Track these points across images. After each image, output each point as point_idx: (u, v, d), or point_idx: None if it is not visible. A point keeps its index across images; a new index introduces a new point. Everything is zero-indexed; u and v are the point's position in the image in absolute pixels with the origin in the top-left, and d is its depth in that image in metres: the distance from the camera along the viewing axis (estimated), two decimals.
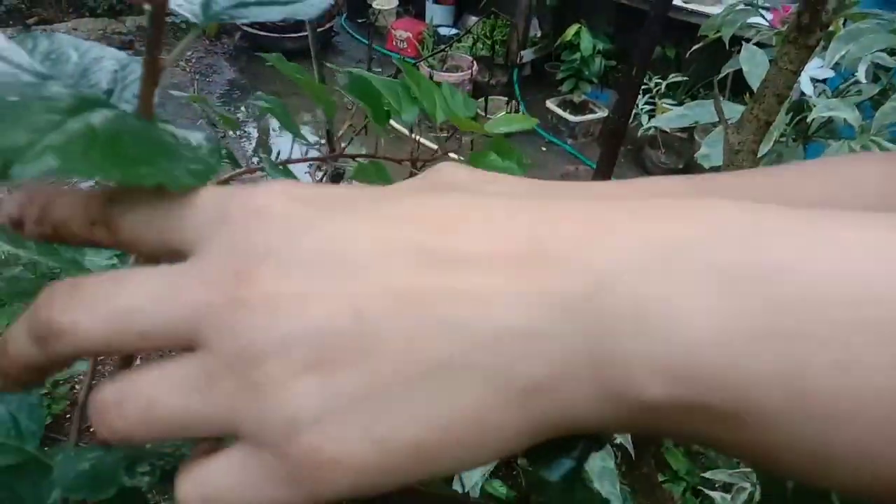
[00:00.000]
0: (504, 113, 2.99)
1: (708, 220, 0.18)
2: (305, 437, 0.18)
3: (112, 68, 0.27)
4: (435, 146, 0.75)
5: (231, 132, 3.00)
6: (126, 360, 0.31)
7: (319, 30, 3.61)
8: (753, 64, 0.89)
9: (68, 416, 1.71)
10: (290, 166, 0.65)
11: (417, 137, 0.78)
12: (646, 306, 0.17)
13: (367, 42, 3.68)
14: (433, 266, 0.18)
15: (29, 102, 0.20)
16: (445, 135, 0.85)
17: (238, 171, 0.56)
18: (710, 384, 0.16)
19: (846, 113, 0.80)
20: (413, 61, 3.49)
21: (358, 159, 0.67)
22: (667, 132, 3.04)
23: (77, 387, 1.77)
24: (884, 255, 0.16)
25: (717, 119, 0.77)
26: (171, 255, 0.21)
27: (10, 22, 3.77)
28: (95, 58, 0.27)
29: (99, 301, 0.19)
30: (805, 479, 0.18)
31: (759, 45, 1.08)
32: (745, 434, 0.17)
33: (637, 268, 0.17)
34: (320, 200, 0.20)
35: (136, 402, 0.19)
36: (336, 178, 0.86)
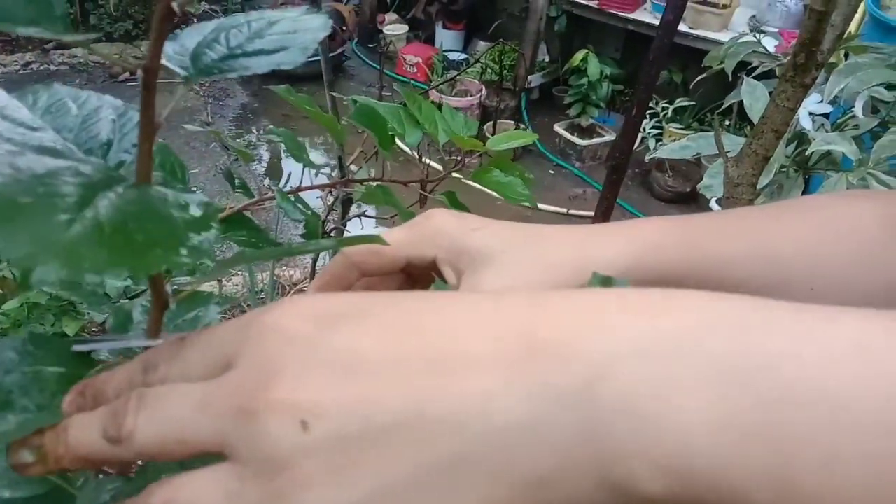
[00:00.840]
0: None
1: (696, 316, 0.19)
2: None
3: (110, 117, 0.29)
4: (442, 168, 0.77)
5: (236, 156, 3.04)
6: None
7: (331, 55, 3.66)
8: (754, 98, 0.91)
9: None
10: (302, 193, 0.67)
11: (428, 161, 0.80)
12: (639, 401, 0.18)
13: (377, 67, 3.73)
14: (435, 371, 0.20)
15: (37, 203, 0.21)
16: (456, 157, 0.87)
17: (251, 201, 0.59)
18: (705, 481, 0.17)
19: (844, 147, 0.82)
20: (423, 86, 3.53)
21: (366, 183, 0.69)
22: None
23: None
24: (866, 351, 0.17)
25: (717, 150, 0.79)
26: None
27: (29, 46, 3.85)
28: (94, 108, 0.29)
29: (154, 413, 0.22)
30: None
31: (765, 74, 1.10)
32: None
33: (629, 362, 0.18)
34: (332, 310, 0.22)
35: None
36: (347, 202, 0.88)
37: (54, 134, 0.29)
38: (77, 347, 0.27)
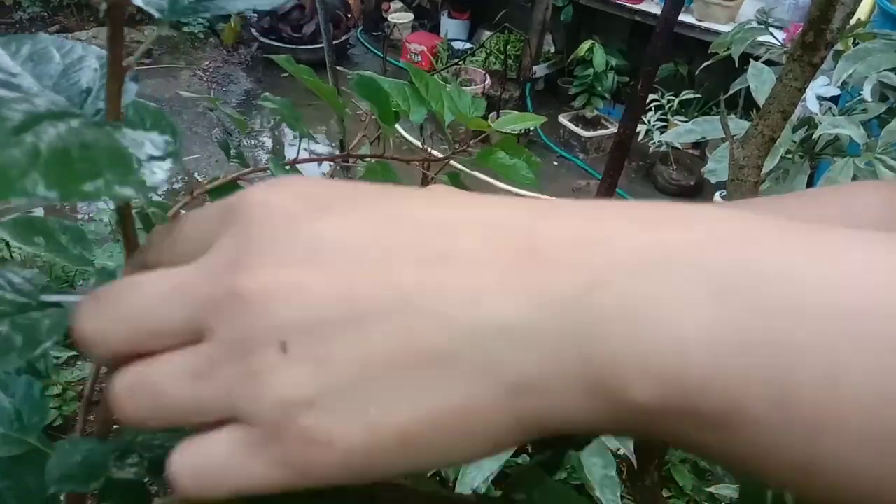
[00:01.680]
0: None
1: (703, 226, 0.18)
2: (299, 419, 0.18)
3: (93, 66, 0.27)
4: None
5: (244, 140, 3.03)
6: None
7: (335, 42, 3.65)
8: (760, 81, 0.90)
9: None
10: (301, 167, 0.66)
11: (429, 149, 0.79)
12: (637, 309, 0.17)
13: (381, 55, 3.72)
14: (426, 263, 0.19)
15: None
16: (457, 146, 0.86)
17: (246, 170, 0.57)
18: (699, 390, 0.17)
19: (851, 131, 0.81)
20: (430, 75, 3.51)
21: (367, 160, 0.68)
22: (678, 149, 3.04)
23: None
24: (873, 269, 0.16)
25: (723, 133, 0.78)
26: None
27: (33, 29, 3.84)
28: (79, 57, 0.28)
29: (118, 308, 0.21)
30: (792, 490, 0.18)
31: (770, 63, 1.08)
32: (732, 441, 0.17)
33: (630, 270, 0.17)
34: (322, 196, 0.21)
35: (145, 391, 0.20)
36: None
37: (32, 80, 0.29)
38: (44, 297, 0.27)
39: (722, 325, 0.16)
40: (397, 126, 0.68)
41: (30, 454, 0.38)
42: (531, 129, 3.41)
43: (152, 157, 0.21)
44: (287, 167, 0.53)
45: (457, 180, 0.74)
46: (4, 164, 0.18)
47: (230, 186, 0.47)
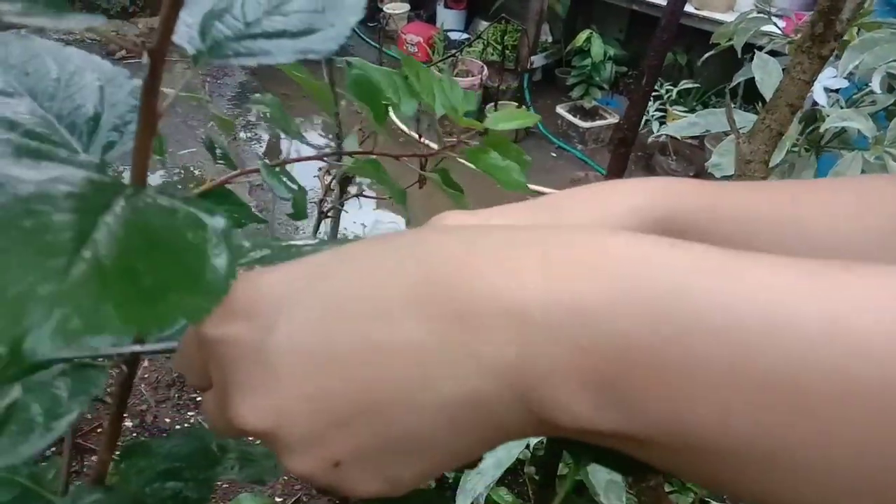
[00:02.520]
0: None
1: (616, 283, 0.20)
2: (326, 479, 0.23)
3: (96, 84, 0.25)
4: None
5: (241, 133, 3.00)
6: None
7: None
8: (766, 73, 0.88)
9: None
10: (295, 165, 0.64)
11: (427, 142, 0.77)
12: (546, 373, 0.20)
13: (377, 46, 3.68)
14: (374, 353, 0.21)
15: (25, 245, 0.16)
16: (454, 139, 0.85)
17: (234, 173, 0.56)
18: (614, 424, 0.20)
19: (860, 123, 0.79)
20: (423, 65, 3.48)
21: (357, 156, 0.66)
22: (677, 139, 3.02)
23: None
24: (768, 321, 0.19)
25: (729, 128, 0.76)
26: None
27: None
28: (77, 69, 0.25)
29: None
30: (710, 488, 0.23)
31: (772, 53, 1.06)
32: (641, 451, 0.21)
33: (544, 333, 0.20)
34: (263, 312, 0.23)
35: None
36: (344, 181, 0.85)
37: (31, 102, 0.25)
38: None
39: (594, 374, 0.20)
40: (393, 116, 0.66)
41: (19, 497, 0.36)
42: None
43: (211, 242, 0.19)
44: (276, 169, 0.51)
45: (447, 177, 0.72)
46: (72, 296, 0.15)
47: (219, 193, 0.45)
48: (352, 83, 0.60)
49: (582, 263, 0.21)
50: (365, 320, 0.21)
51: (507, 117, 0.78)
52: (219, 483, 1.76)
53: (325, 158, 0.62)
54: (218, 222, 0.20)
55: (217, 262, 0.19)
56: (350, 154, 0.60)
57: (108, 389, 0.34)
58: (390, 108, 0.65)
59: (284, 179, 0.50)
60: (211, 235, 0.19)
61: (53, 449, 1.58)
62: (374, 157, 0.62)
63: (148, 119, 0.21)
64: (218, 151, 0.48)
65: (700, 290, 0.19)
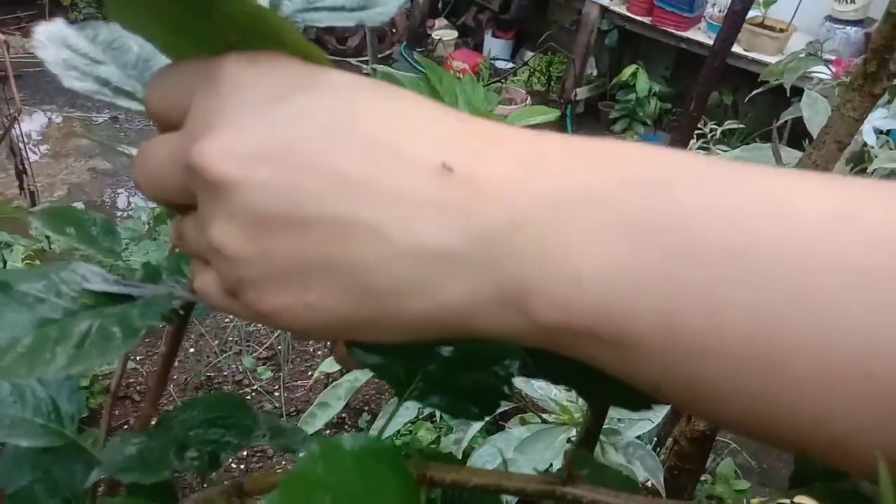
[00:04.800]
0: None
1: (627, 167, 0.20)
2: (246, 294, 0.21)
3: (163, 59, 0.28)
4: None
5: None
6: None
7: (379, 56, 3.69)
8: (814, 111, 0.88)
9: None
10: None
11: None
12: (549, 249, 0.19)
13: (424, 70, 3.74)
14: (374, 175, 0.20)
15: None
16: None
17: None
18: (594, 316, 0.19)
19: None
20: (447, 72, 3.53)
21: None
22: None
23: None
24: (771, 209, 0.18)
25: (774, 164, 0.76)
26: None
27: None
28: (153, 50, 0.28)
29: (143, 170, 0.24)
30: (686, 410, 0.21)
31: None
32: (628, 361, 0.19)
33: (549, 214, 0.19)
34: (287, 84, 0.22)
35: (180, 239, 0.25)
36: None
37: (117, 70, 0.29)
38: (86, 286, 0.26)
39: (619, 261, 0.18)
40: None
41: (65, 448, 0.38)
42: None
43: None
44: None
45: None
46: None
47: None
48: None
49: (595, 152, 0.20)
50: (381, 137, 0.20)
51: (528, 113, 0.78)
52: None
53: None
54: None
55: None
56: None
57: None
58: None
59: None
60: None
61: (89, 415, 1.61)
62: None
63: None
64: None
65: (700, 178, 0.19)
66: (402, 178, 0.20)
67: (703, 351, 0.18)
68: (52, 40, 0.28)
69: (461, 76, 3.66)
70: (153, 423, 0.31)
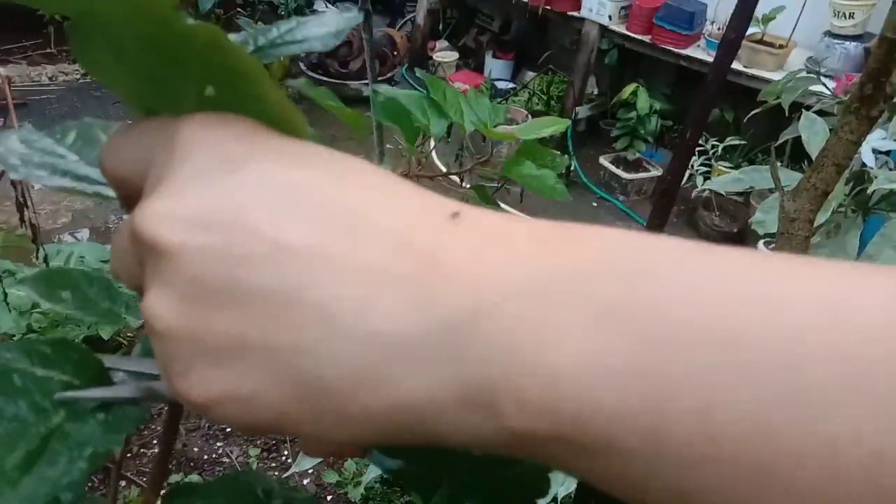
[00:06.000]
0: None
1: (599, 251, 0.18)
2: (175, 377, 0.19)
3: None
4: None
5: None
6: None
7: (381, 78, 3.71)
8: (813, 132, 0.88)
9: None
10: None
11: (467, 185, 0.79)
12: (519, 340, 0.17)
13: (425, 92, 3.76)
14: (325, 256, 0.18)
15: None
16: (495, 185, 0.86)
17: None
18: (571, 420, 0.16)
19: None
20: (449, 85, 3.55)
21: None
22: (722, 195, 2.99)
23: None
24: (760, 298, 0.16)
25: (774, 185, 0.76)
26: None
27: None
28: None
29: (113, 254, 0.22)
30: None
31: (820, 113, 1.06)
32: (607, 468, 0.17)
33: (519, 302, 0.17)
34: (240, 148, 0.20)
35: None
36: None
37: (85, 165, 0.30)
38: (60, 396, 0.26)
39: (596, 355, 0.16)
40: (435, 158, 0.69)
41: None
42: (571, 168, 3.39)
43: None
44: None
45: (483, 192, 0.72)
46: None
47: None
48: (382, 108, 0.62)
49: (569, 237, 0.19)
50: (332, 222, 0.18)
51: (536, 125, 0.77)
52: None
53: None
54: None
55: None
56: None
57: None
58: (434, 152, 0.67)
59: None
60: None
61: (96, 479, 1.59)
62: (410, 178, 0.64)
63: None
64: None
65: (681, 262, 0.17)
66: (355, 252, 0.18)
67: (695, 457, 0.16)
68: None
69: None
70: None
